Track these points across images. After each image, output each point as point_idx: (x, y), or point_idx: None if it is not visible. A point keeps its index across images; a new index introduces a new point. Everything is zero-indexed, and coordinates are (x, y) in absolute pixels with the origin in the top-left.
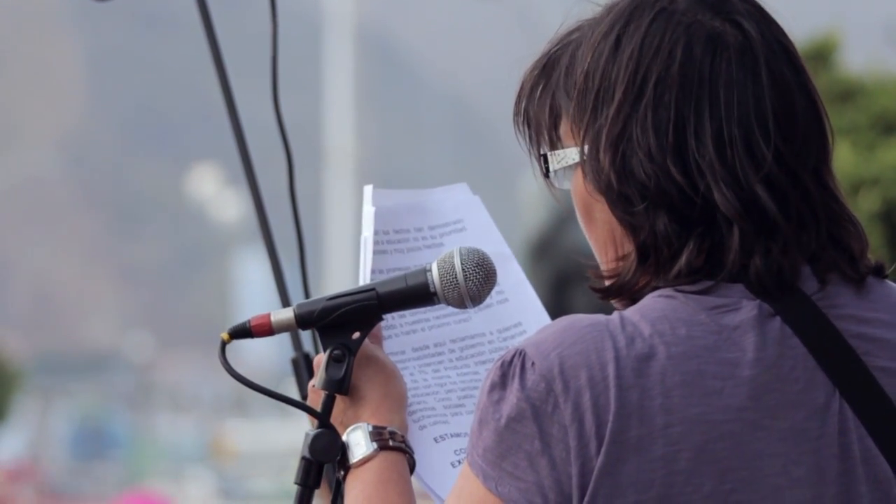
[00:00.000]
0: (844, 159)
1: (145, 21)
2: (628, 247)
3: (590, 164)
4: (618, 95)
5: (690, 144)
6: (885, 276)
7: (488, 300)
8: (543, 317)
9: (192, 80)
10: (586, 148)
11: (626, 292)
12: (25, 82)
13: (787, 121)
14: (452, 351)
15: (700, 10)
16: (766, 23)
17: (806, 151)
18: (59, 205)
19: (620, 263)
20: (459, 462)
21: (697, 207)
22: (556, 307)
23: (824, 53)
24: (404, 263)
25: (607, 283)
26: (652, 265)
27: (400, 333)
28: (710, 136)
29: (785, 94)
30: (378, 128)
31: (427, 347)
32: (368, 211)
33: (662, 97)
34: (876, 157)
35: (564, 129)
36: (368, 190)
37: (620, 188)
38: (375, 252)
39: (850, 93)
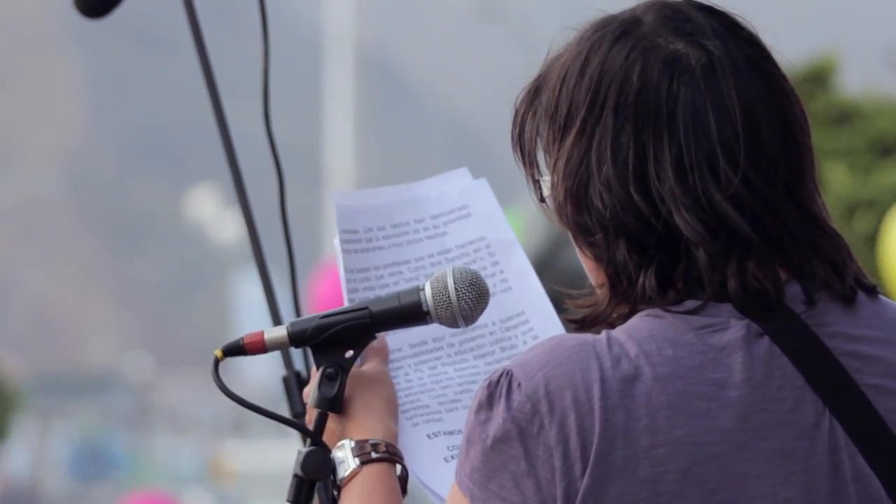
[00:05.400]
0: (841, 182)
1: (146, 42)
2: (603, 276)
3: (552, 194)
4: (577, 123)
5: (651, 171)
6: (878, 293)
7: (492, 289)
8: (546, 305)
9: (192, 101)
10: (554, 177)
11: (602, 322)
12: (25, 102)
13: (752, 141)
14: (451, 345)
15: (663, 31)
16: (735, 40)
17: (774, 170)
18: (59, 225)
19: (598, 292)
20: (453, 457)
21: (659, 234)
22: None
23: (822, 76)
24: (404, 256)
25: (583, 312)
26: (621, 294)
27: (398, 329)
28: (670, 162)
29: (750, 113)
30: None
31: (425, 343)
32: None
33: (622, 125)
34: (872, 179)
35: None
36: (332, 196)
37: (577, 218)
38: (359, 251)
39: (847, 115)
